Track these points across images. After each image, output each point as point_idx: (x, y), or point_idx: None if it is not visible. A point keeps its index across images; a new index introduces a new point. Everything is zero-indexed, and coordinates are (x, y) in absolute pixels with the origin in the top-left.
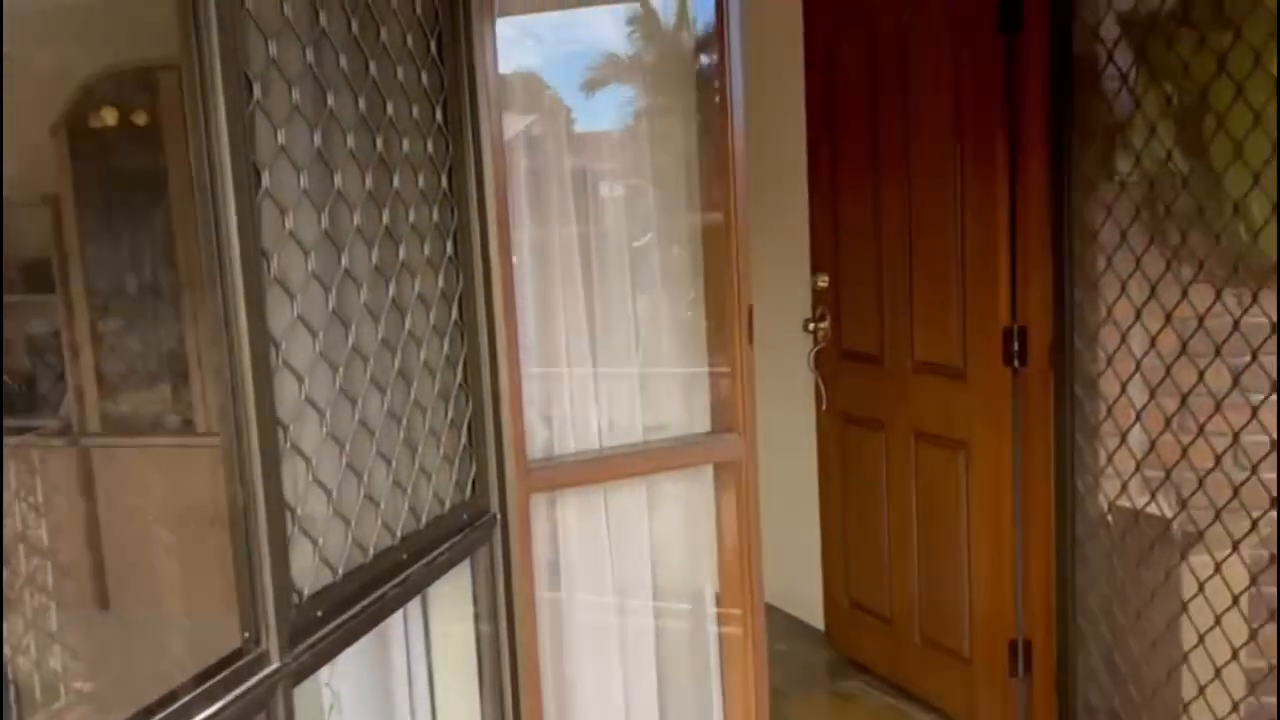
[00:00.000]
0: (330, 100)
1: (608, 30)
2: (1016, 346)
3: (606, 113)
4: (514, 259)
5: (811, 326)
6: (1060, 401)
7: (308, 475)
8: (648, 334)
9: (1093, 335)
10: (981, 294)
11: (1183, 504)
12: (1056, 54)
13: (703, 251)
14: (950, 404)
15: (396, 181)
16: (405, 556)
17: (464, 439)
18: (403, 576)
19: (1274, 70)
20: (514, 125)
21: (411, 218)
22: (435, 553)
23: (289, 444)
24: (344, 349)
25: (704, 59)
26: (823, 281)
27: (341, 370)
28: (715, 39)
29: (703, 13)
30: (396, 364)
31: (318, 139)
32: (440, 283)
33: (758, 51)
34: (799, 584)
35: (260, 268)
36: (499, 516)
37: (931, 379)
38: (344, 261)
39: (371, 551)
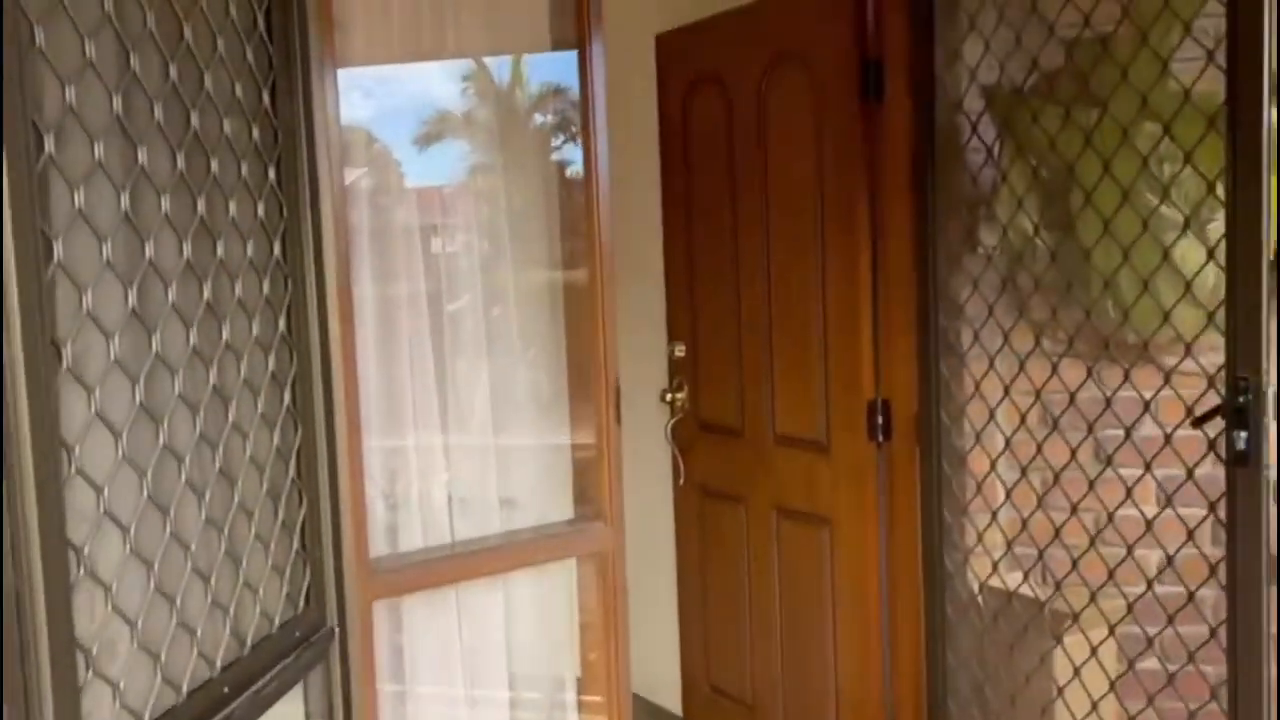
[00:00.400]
0: (142, 157)
1: (444, 87)
2: (880, 420)
3: (444, 168)
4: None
5: (668, 397)
6: (927, 477)
7: (106, 605)
8: (499, 405)
9: (960, 410)
10: (844, 365)
11: (1056, 585)
12: (919, 123)
13: (563, 318)
14: (813, 478)
15: (221, 250)
16: (227, 690)
17: (297, 543)
18: (224, 714)
19: (1140, 147)
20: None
21: (238, 291)
22: (263, 681)
23: (83, 570)
24: (154, 449)
25: (539, 117)
26: (679, 350)
27: (150, 475)
28: (558, 98)
29: (537, 72)
30: (218, 463)
31: (125, 201)
32: (271, 365)
33: (613, 117)
34: (655, 666)
35: (49, 358)
36: (337, 630)
37: (793, 452)
38: (155, 345)
39: (186, 689)
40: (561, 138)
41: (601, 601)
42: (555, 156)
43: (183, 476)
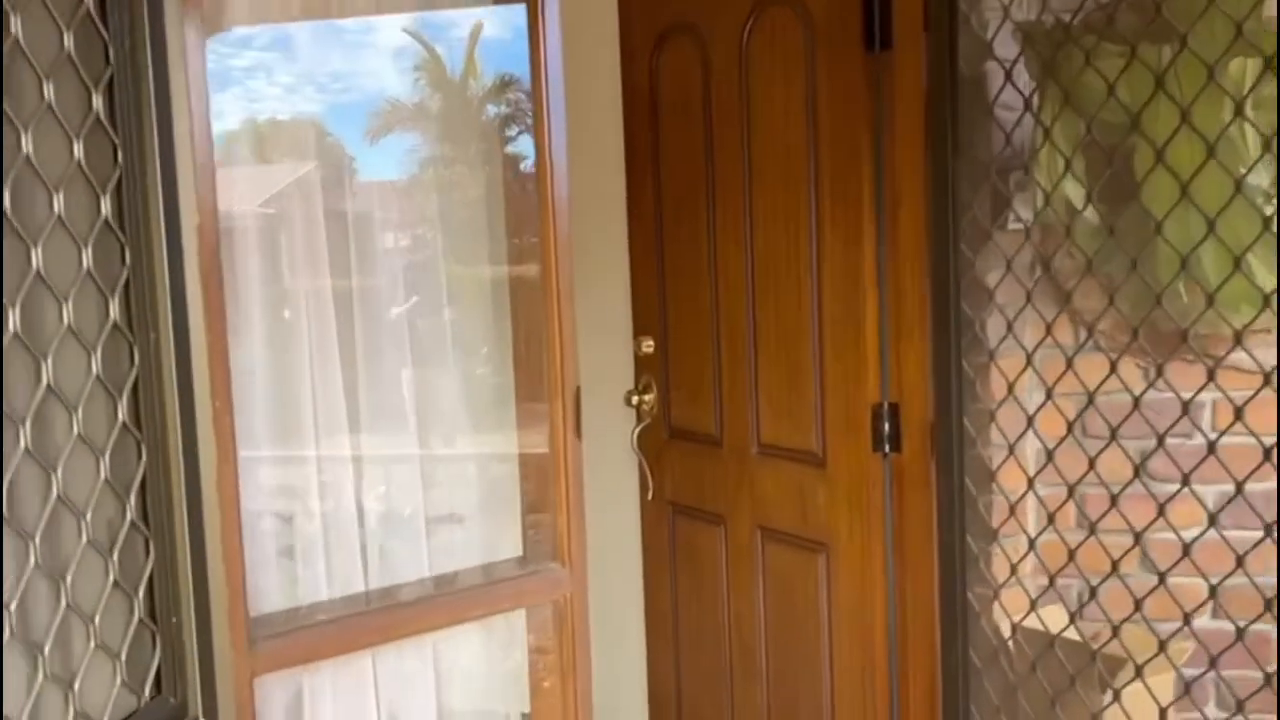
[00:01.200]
0: None
1: (390, 75)
2: (888, 428)
3: (384, 161)
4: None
5: (635, 399)
6: (946, 496)
7: None
8: (431, 410)
9: (988, 417)
10: (843, 362)
11: (1114, 628)
12: (937, 74)
13: (510, 317)
14: (806, 496)
15: (6, 202)
16: None
17: (140, 610)
18: None
19: (1232, 90)
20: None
21: (37, 261)
22: None
23: None
24: None
25: (491, 109)
26: (647, 346)
27: None
28: (513, 88)
29: (491, 61)
30: (4, 511)
31: None
32: (96, 365)
33: (566, 78)
34: (620, 711)
35: None
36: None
37: (782, 464)
38: None
39: None
40: (516, 129)
41: (559, 657)
42: (507, 147)
43: None
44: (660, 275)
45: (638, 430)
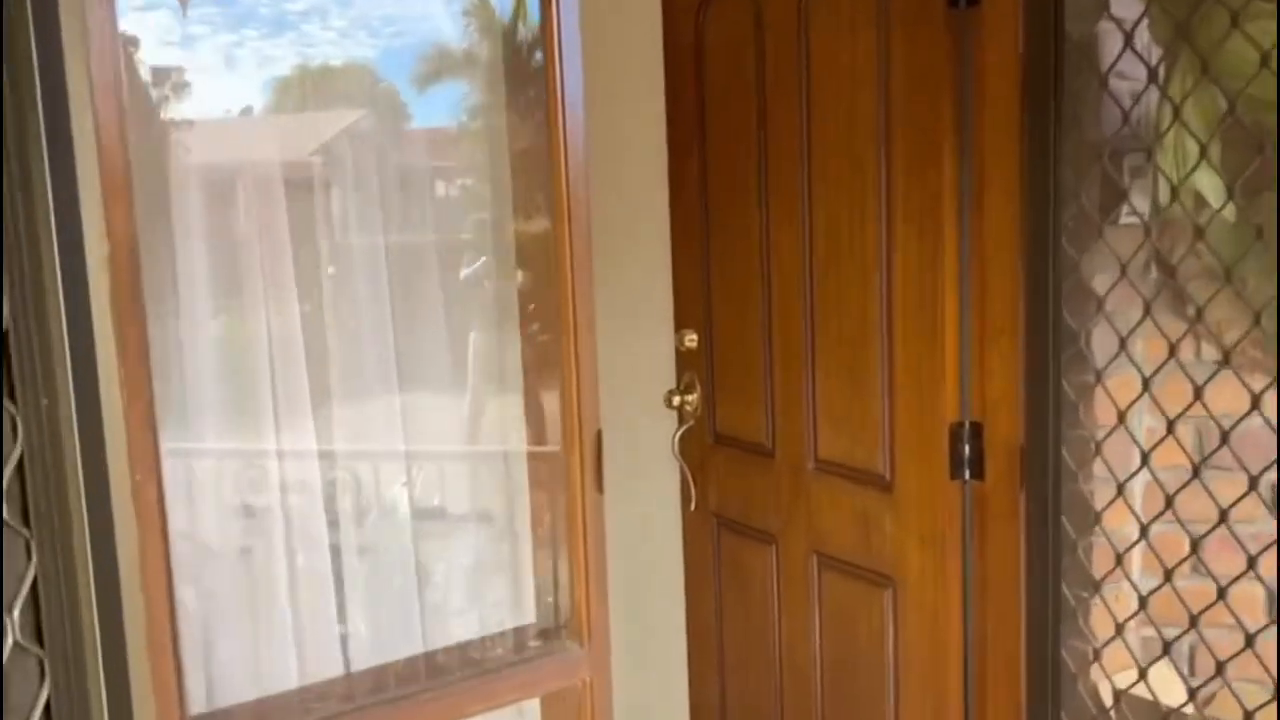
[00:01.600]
0: None
1: (441, 19)
2: (968, 451)
3: (434, 108)
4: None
5: (677, 400)
6: (1038, 534)
7: None
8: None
9: (1093, 446)
10: (916, 372)
11: (1247, 714)
12: (1037, 37)
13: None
14: (870, 522)
15: None
16: None
17: None
18: None
19: None
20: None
21: None
22: None
23: None
24: None
25: (540, 54)
26: (690, 340)
27: None
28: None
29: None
30: None
31: None
32: None
33: (600, 38)
34: None
35: None
36: None
37: (842, 486)
38: None
39: None
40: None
41: None
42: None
43: None
44: (705, 261)
45: (679, 433)
